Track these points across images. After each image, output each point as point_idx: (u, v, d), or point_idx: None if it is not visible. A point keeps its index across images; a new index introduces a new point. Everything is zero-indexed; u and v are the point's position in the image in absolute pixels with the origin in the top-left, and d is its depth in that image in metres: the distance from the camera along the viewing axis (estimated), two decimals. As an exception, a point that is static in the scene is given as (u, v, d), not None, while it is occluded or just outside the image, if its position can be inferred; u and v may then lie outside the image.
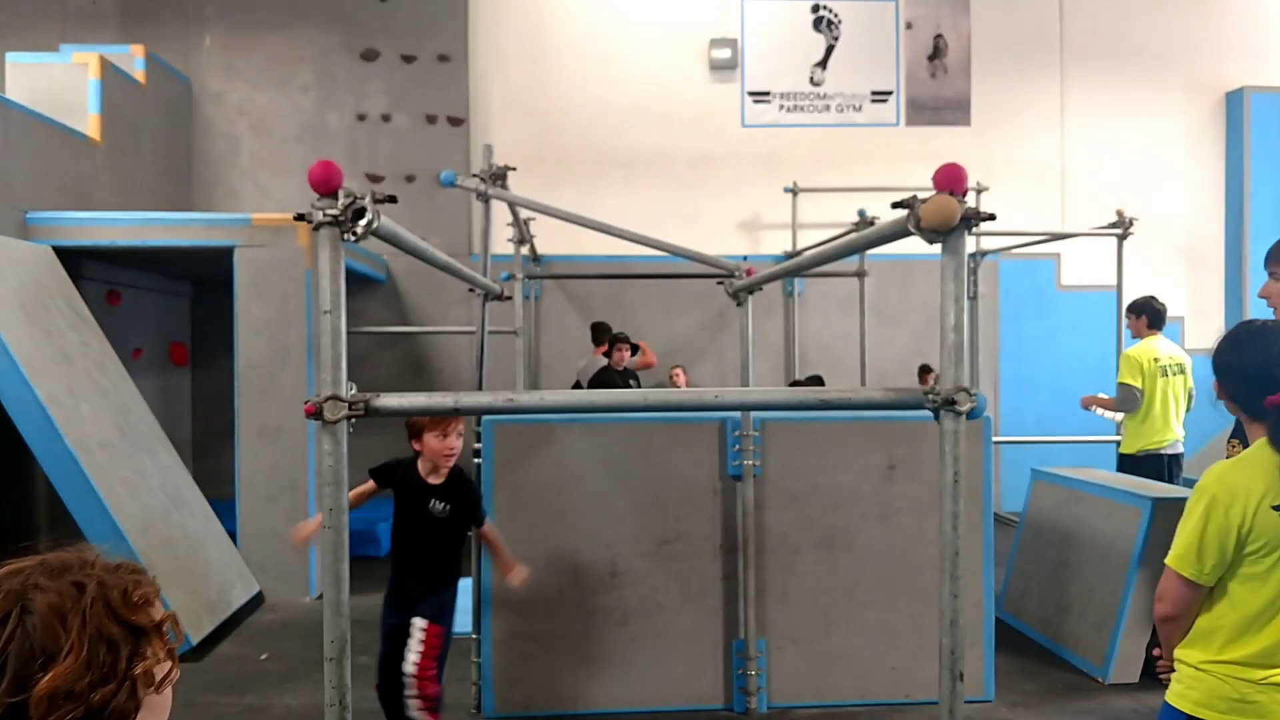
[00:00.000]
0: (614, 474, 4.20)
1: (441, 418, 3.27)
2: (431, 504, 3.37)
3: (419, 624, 3.32)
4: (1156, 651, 2.28)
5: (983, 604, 4.22)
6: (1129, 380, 5.59)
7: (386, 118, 8.57)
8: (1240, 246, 9.13)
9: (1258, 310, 3.14)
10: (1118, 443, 6.07)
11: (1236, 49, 9.23)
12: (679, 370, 8.27)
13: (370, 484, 3.45)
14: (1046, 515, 5.29)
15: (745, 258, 6.19)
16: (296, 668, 4.72)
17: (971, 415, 2.09)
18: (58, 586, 0.80)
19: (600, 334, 7.50)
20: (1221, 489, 2.03)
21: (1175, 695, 2.12)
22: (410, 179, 8.52)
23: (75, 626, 0.78)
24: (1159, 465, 5.61)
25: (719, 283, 4.17)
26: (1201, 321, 9.08)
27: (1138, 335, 5.81)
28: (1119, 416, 6.13)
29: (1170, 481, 5.51)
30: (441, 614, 3.39)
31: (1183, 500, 4.21)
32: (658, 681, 4.19)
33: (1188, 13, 9.17)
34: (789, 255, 8.52)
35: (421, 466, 3.41)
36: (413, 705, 3.27)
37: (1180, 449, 5.75)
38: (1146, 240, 8.39)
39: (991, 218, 2.20)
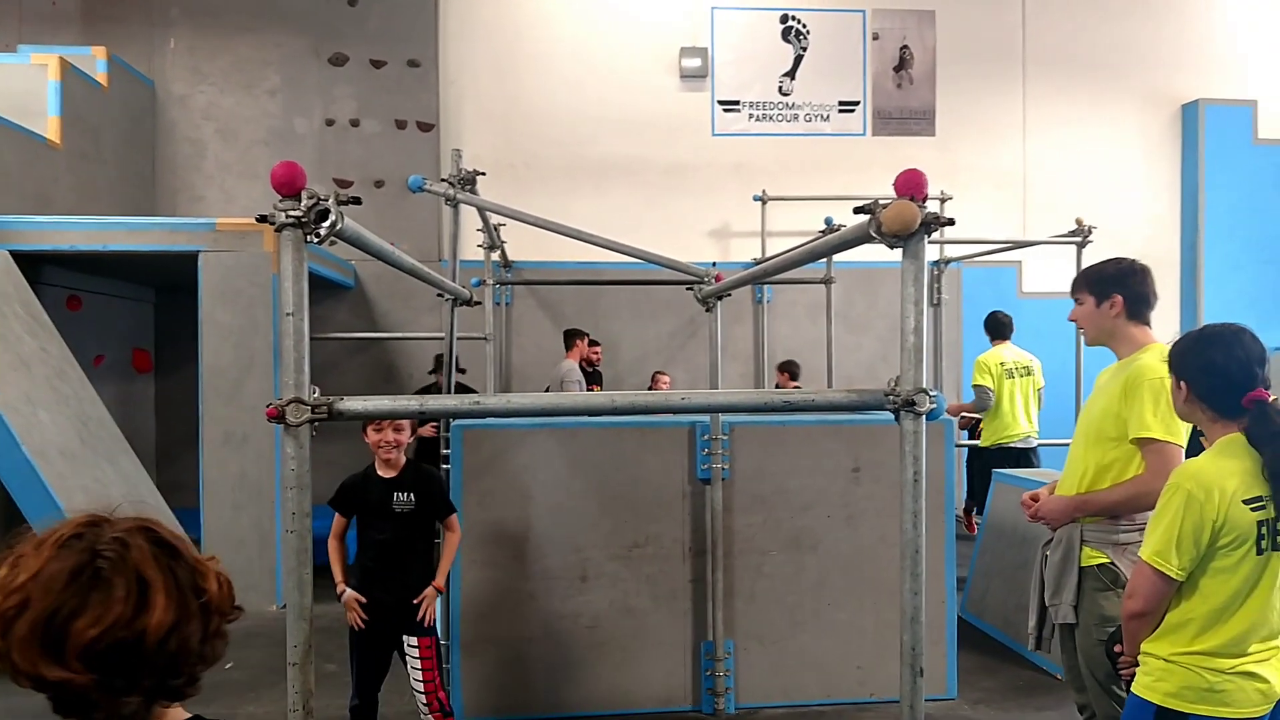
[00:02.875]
0: (584, 478, 4.22)
1: None
2: (395, 497, 3.36)
3: (412, 641, 3.35)
4: (1118, 648, 2.30)
5: (945, 603, 4.30)
6: (980, 382, 6.27)
7: (355, 123, 8.53)
8: (1195, 254, 9.36)
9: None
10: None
11: (1192, 62, 9.48)
12: (664, 376, 8.06)
13: (338, 519, 3.43)
14: (1007, 517, 5.38)
15: (715, 264, 6.24)
16: (262, 677, 4.67)
17: (931, 417, 2.14)
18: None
19: (571, 339, 7.51)
20: (1196, 485, 2.06)
21: (1144, 688, 2.15)
22: (379, 184, 8.48)
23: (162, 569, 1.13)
24: (1013, 458, 6.16)
25: (689, 289, 4.21)
26: (1157, 328, 9.27)
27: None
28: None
29: None
30: (430, 624, 3.41)
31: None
32: (627, 683, 4.21)
33: (1146, 26, 9.41)
34: (758, 262, 8.59)
35: (377, 464, 3.43)
36: (431, 718, 3.39)
37: (1033, 443, 6.34)
38: (1105, 248, 8.45)
39: (950, 223, 2.25)
